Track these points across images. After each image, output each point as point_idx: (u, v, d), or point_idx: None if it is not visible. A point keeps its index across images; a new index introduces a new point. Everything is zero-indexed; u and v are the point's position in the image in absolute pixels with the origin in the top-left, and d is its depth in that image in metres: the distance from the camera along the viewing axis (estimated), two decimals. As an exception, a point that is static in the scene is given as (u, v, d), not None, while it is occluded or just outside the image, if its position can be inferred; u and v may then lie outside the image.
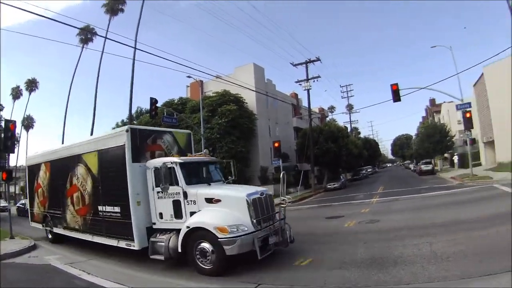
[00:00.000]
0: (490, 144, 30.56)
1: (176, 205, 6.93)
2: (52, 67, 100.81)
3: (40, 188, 11.08)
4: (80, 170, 8.84)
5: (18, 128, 46.84)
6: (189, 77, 23.18)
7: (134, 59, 31.67)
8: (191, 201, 6.77)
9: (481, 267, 4.89)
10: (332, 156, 31.32)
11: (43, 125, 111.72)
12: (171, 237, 6.82)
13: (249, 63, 32.42)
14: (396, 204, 14.17)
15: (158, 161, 7.36)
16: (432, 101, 64.75)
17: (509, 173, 16.87)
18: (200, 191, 6.82)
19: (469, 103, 22.04)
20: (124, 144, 7.36)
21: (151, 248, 7.03)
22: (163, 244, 6.82)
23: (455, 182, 20.88)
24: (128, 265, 7.47)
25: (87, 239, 8.75)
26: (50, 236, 10.86)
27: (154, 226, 7.30)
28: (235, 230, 6.05)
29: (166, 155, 8.01)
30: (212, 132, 26.40)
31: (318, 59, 28.84)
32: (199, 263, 6.31)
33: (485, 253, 5.56)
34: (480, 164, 31.96)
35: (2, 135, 15.13)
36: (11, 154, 27.27)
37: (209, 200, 6.62)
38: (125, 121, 37.35)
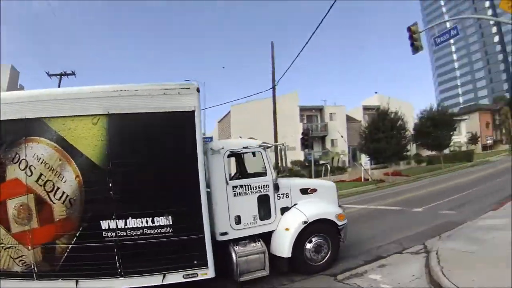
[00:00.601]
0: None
1: (263, 202, 5.48)
2: None
3: None
4: (44, 151, 4.53)
5: None
6: None
7: None
8: (283, 194, 5.65)
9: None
10: None
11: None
12: (262, 244, 5.31)
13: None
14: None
15: (235, 143, 5.73)
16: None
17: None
18: (292, 182, 6.00)
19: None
20: (193, 110, 4.75)
21: (237, 267, 4.98)
22: (257, 255, 5.18)
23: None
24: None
25: None
26: None
27: (222, 238, 5.21)
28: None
29: None
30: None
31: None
32: (310, 262, 5.51)
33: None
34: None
35: None
36: None
37: (305, 191, 5.91)
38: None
